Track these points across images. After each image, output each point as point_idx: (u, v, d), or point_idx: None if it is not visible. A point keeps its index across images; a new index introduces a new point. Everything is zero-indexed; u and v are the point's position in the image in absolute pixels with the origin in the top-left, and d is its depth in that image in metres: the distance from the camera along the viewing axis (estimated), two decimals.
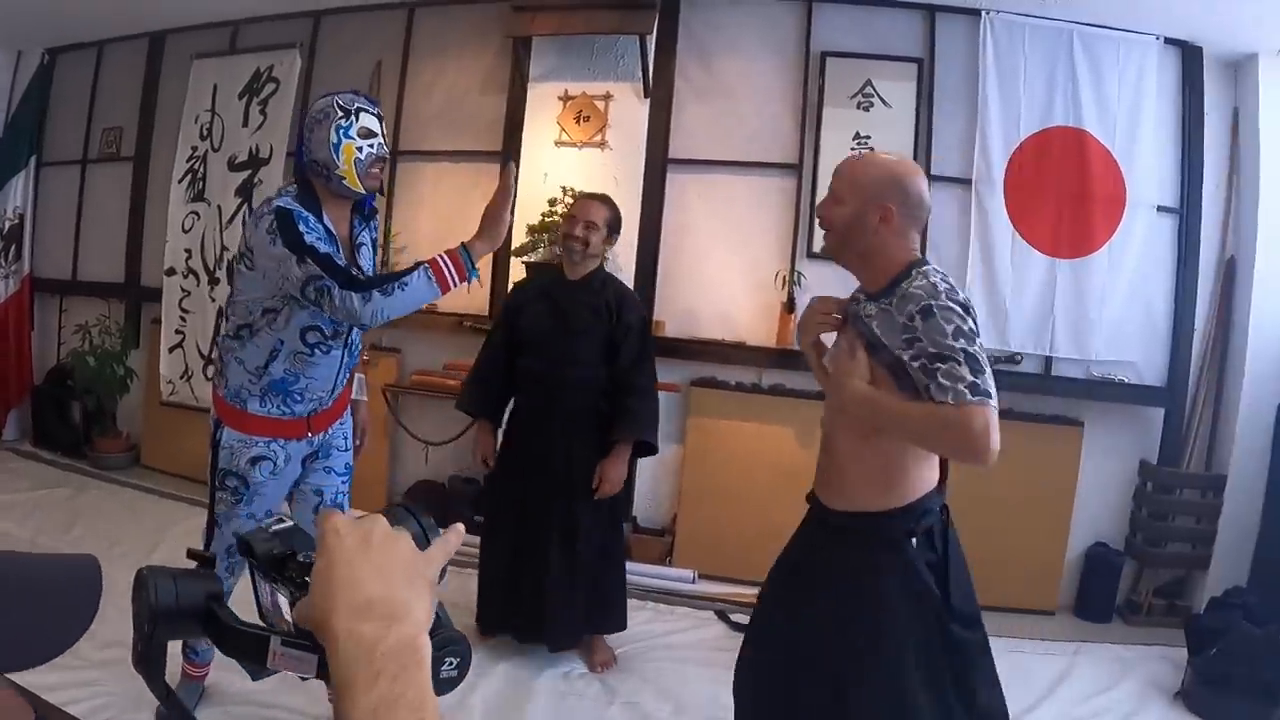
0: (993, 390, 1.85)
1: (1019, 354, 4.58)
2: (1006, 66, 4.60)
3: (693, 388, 4.80)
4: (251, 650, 0.71)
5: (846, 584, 2.11)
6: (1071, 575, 4.62)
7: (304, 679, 0.72)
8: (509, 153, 4.94)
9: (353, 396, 2.92)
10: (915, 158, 4.58)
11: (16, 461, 6.17)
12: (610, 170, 4.71)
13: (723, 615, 4.19)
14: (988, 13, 4.58)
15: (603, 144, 4.76)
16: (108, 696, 3.02)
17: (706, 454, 4.77)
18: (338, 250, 2.44)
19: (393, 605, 0.65)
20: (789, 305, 4.61)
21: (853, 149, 4.66)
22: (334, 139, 2.43)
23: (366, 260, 2.70)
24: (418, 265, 2.38)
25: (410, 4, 5.34)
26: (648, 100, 4.79)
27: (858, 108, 4.72)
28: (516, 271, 4.68)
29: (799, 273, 4.66)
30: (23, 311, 6.62)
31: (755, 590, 4.24)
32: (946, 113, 4.67)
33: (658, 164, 4.81)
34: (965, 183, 4.63)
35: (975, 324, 1.91)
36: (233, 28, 5.84)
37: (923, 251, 4.29)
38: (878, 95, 4.71)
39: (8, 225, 6.56)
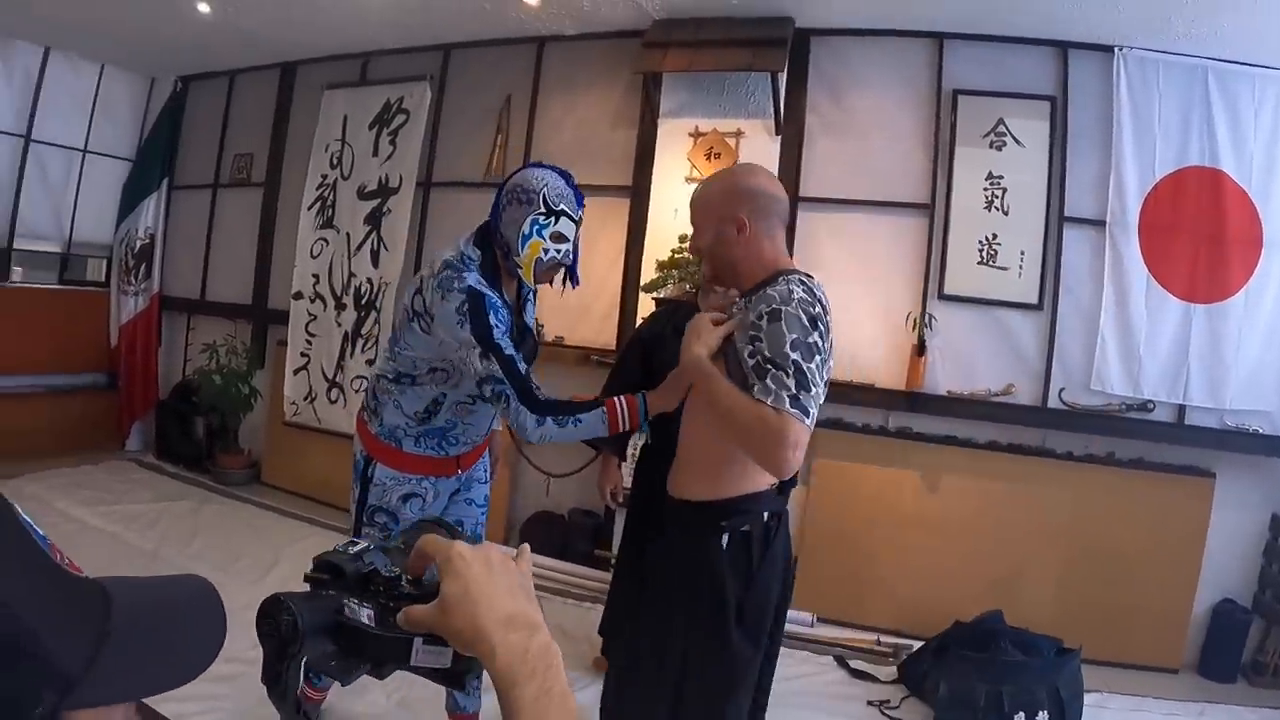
0: (811, 410, 1.86)
1: (1152, 401, 4.44)
2: (1141, 104, 4.48)
3: (819, 429, 4.71)
4: (394, 652, 0.82)
5: (655, 568, 2.21)
6: (1197, 632, 4.44)
7: (381, 679, 0.86)
8: (638, 187, 4.99)
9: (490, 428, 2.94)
10: (1049, 199, 4.54)
11: (139, 472, 6.39)
12: None
13: (842, 661, 4.12)
14: (1120, 49, 4.47)
15: None
16: (224, 712, 3.10)
17: (830, 496, 4.73)
18: (510, 325, 2.40)
19: (528, 617, 0.80)
20: (920, 347, 4.57)
21: (985, 190, 4.62)
22: (526, 230, 2.39)
23: (530, 315, 2.73)
24: (598, 404, 2.33)
25: (540, 38, 5.42)
26: (779, 137, 4.78)
27: (990, 146, 4.65)
28: (645, 306, 4.71)
29: (930, 315, 4.61)
30: (151, 328, 6.89)
31: (875, 636, 4.26)
32: (1080, 152, 4.57)
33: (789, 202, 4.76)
34: (1099, 224, 4.51)
35: (822, 339, 1.93)
36: (363, 59, 6.01)
37: (1055, 294, 4.31)
38: (1010, 134, 4.63)
39: (139, 245, 6.82)
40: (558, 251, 2.44)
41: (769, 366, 1.88)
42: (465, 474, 2.80)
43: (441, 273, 2.39)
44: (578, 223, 2.49)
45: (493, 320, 2.30)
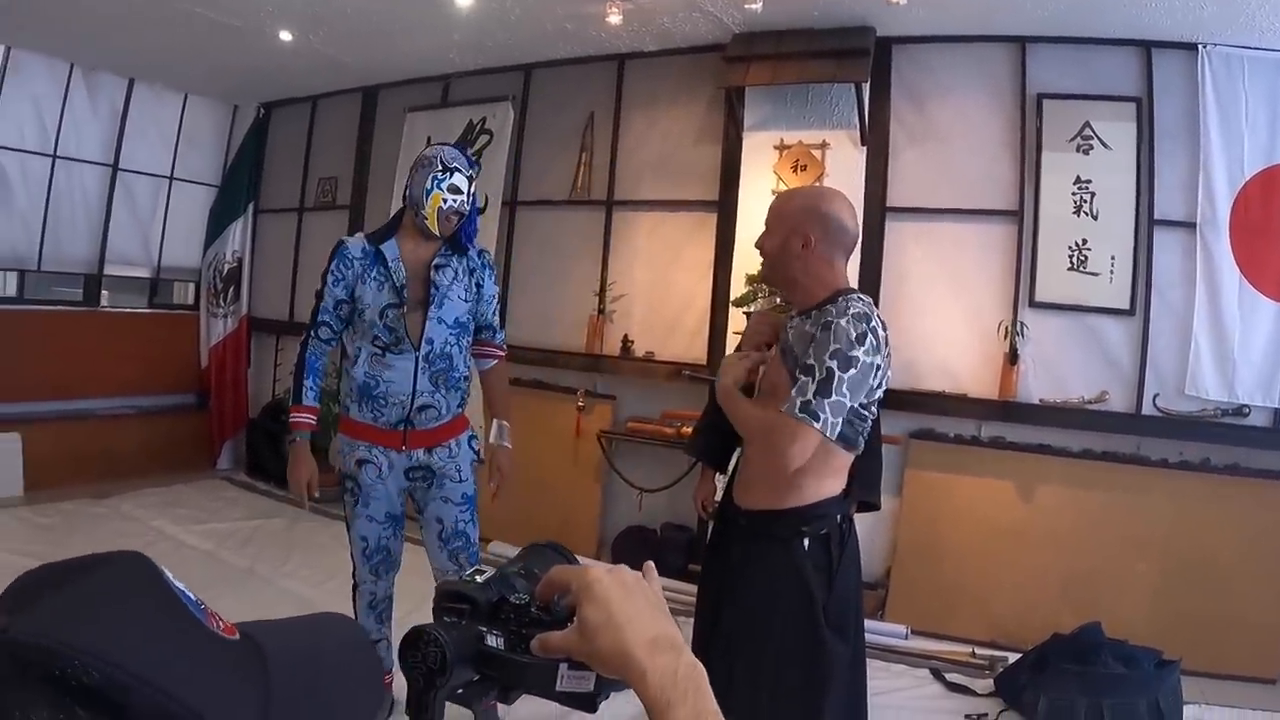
0: (823, 415, 2.01)
1: (1247, 406, 4.35)
2: (1227, 102, 4.41)
3: (912, 440, 4.78)
4: (538, 678, 0.82)
5: (741, 575, 2.29)
6: None
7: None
8: (725, 202, 5.04)
9: (496, 441, 3.19)
10: (1137, 201, 4.48)
11: (231, 490, 6.56)
12: None
13: (938, 674, 4.09)
14: (1204, 46, 4.39)
15: None
16: None
17: (924, 507, 4.74)
18: (370, 281, 2.95)
19: (672, 638, 0.79)
20: (1012, 356, 4.55)
21: (1073, 195, 4.59)
22: (428, 186, 2.89)
23: (445, 280, 3.01)
24: (310, 381, 3.02)
25: (620, 56, 5.48)
26: (864, 148, 4.79)
27: (1077, 150, 4.61)
28: (736, 321, 4.72)
29: (1022, 323, 4.58)
30: (240, 349, 7.09)
31: (970, 648, 4.24)
32: (1167, 153, 4.51)
33: (876, 212, 4.80)
34: (1190, 226, 4.44)
35: (869, 355, 2.04)
36: (444, 82, 6.12)
37: (1147, 299, 4.27)
38: (1097, 137, 4.59)
39: (227, 268, 7.02)
40: (455, 201, 2.92)
41: (800, 374, 2.05)
42: (422, 458, 3.05)
43: None
44: (470, 179, 2.97)
45: (332, 265, 2.96)
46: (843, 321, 2.04)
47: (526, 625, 0.83)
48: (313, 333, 3.02)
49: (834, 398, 2.00)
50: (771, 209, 2.37)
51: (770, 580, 2.24)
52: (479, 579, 0.88)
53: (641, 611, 0.80)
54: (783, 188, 4.78)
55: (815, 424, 2.00)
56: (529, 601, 0.85)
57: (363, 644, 0.74)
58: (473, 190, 3.01)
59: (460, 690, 0.83)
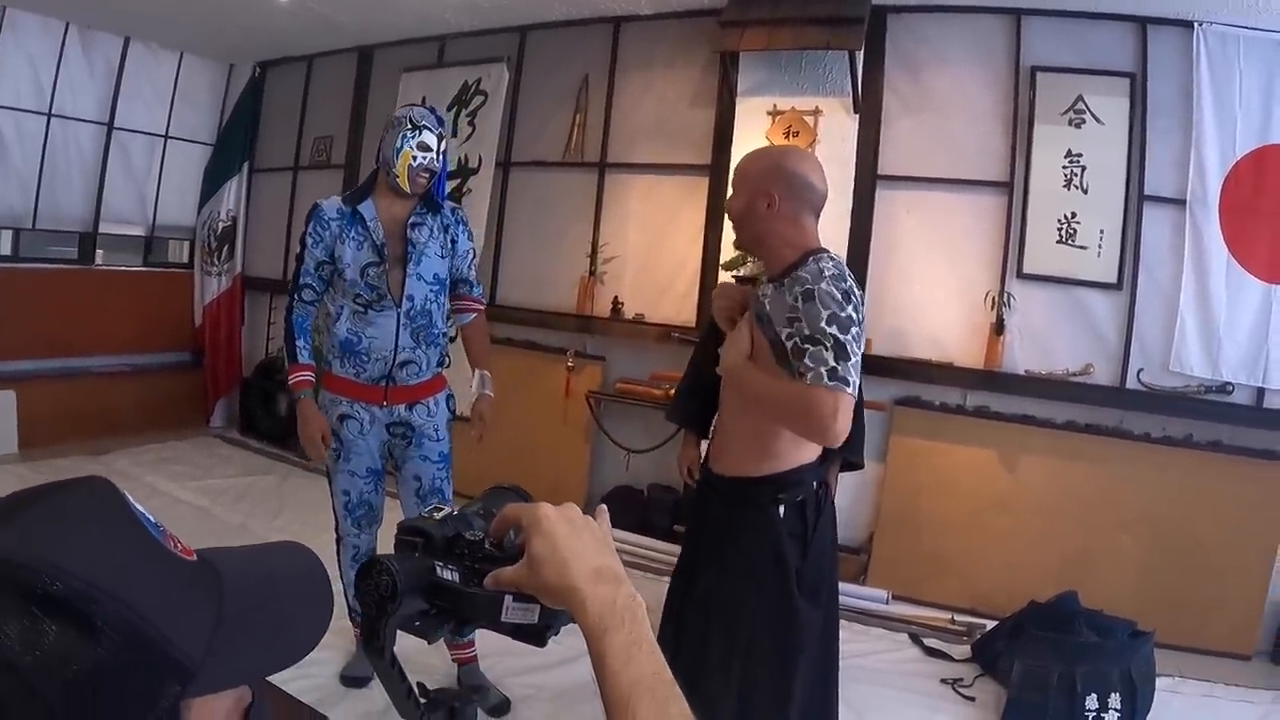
0: (851, 378, 2.01)
1: (1230, 384, 4.38)
2: (1221, 80, 4.41)
3: (897, 407, 4.81)
4: (485, 610, 0.85)
5: (718, 541, 2.33)
6: (1272, 618, 4.36)
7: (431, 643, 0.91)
8: (717, 166, 5.04)
9: (478, 390, 3.22)
10: (1128, 177, 4.49)
11: (225, 448, 6.61)
12: None
13: (916, 639, 4.14)
14: (1200, 24, 4.39)
15: None
16: (321, 679, 3.27)
17: (907, 474, 4.77)
18: (349, 241, 2.98)
19: (614, 570, 0.83)
20: (999, 327, 4.58)
21: (1064, 169, 4.60)
22: (398, 145, 2.94)
23: (421, 237, 3.05)
24: (302, 341, 3.06)
25: (616, 18, 5.47)
26: (857, 116, 4.78)
27: (1069, 124, 4.61)
28: None
29: (1009, 294, 4.60)
30: (234, 308, 7.12)
31: (949, 615, 4.29)
32: (1160, 130, 4.51)
33: (867, 180, 4.81)
34: (1180, 203, 4.46)
35: (856, 312, 2.05)
36: (440, 42, 6.11)
37: (1134, 274, 4.29)
38: (1089, 111, 4.59)
39: (221, 227, 7.03)
40: (424, 158, 2.96)
41: (807, 345, 2.03)
42: (402, 414, 3.10)
43: None
44: (439, 137, 3.02)
45: (310, 228, 3.01)
46: (823, 285, 2.04)
47: (480, 560, 0.87)
48: (296, 295, 3.07)
49: (852, 359, 2.02)
50: (737, 170, 2.36)
51: (746, 546, 2.27)
52: (438, 515, 0.91)
53: (587, 546, 0.84)
54: None
55: (848, 389, 2.00)
56: (483, 538, 0.89)
57: (315, 571, 0.76)
58: (443, 148, 3.08)
59: (417, 623, 0.87)
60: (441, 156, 3.08)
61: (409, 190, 2.98)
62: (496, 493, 0.98)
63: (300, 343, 3.05)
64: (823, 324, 2.01)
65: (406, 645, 0.92)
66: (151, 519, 0.63)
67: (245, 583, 0.66)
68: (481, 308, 3.34)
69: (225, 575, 0.65)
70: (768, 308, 2.18)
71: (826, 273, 2.07)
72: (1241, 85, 4.41)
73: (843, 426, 2.00)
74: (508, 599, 0.85)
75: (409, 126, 2.94)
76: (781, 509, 2.23)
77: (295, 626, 0.71)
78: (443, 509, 0.93)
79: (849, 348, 2.02)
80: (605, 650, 0.78)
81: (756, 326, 2.21)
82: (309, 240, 3.00)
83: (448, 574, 0.86)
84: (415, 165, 2.94)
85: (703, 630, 2.28)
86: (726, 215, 2.38)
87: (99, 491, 0.62)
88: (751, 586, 2.25)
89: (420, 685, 0.93)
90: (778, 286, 2.17)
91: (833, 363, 1.99)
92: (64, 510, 0.59)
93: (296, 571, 0.75)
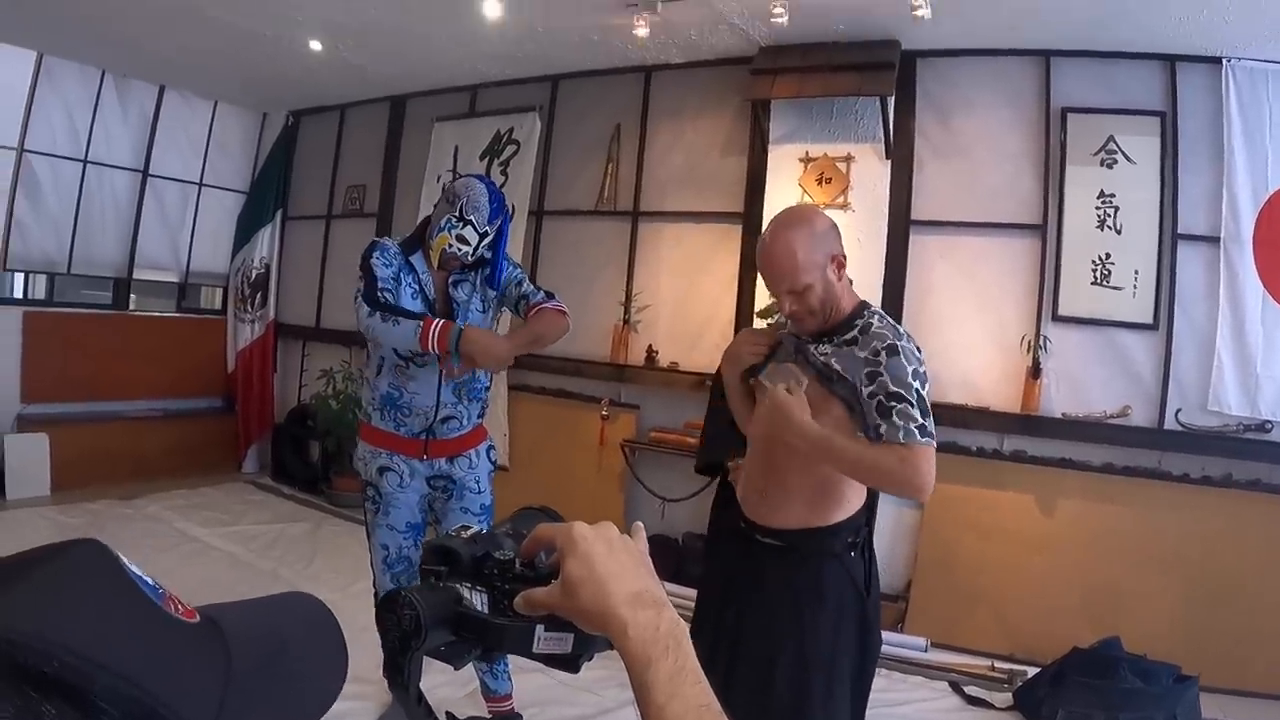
0: (934, 432, 2.05)
1: (1270, 422, 4.33)
2: (1251, 116, 4.41)
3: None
4: (516, 640, 0.82)
5: (785, 594, 2.27)
6: None
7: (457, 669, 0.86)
8: (750, 213, 5.08)
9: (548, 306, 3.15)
10: (1161, 216, 4.49)
11: (256, 494, 6.63)
12: (853, 232, 4.67)
13: (956, 687, 4.08)
14: (1228, 60, 4.40)
15: (845, 205, 4.77)
16: None
17: (945, 520, 4.73)
18: (405, 286, 2.94)
19: (654, 594, 0.79)
20: (1035, 370, 4.57)
21: (1097, 209, 4.61)
22: (441, 225, 2.90)
23: (463, 296, 3.02)
24: (419, 317, 2.82)
25: (647, 67, 5.53)
26: (889, 161, 4.81)
27: (1101, 164, 4.62)
28: None
29: (1045, 337, 4.59)
30: (267, 354, 7.19)
31: (989, 661, 4.24)
32: (1191, 168, 4.50)
33: (900, 225, 4.83)
34: (1213, 241, 4.44)
35: (924, 363, 2.11)
36: (471, 91, 6.20)
37: (1170, 314, 4.32)
38: (1121, 151, 4.59)
39: (255, 274, 7.11)
40: (460, 250, 2.91)
41: (893, 402, 2.04)
42: (443, 467, 3.07)
43: None
44: (481, 235, 2.92)
45: (375, 257, 2.92)
46: (903, 342, 2.09)
47: (510, 581, 0.84)
48: (378, 301, 2.88)
49: (930, 415, 2.06)
50: (783, 258, 2.17)
51: (813, 595, 2.24)
52: (466, 534, 0.89)
53: (625, 567, 0.80)
54: (809, 200, 4.81)
55: (933, 443, 2.05)
56: (513, 558, 0.85)
57: (325, 620, 0.72)
58: (485, 242, 2.94)
59: (442, 648, 0.84)
60: (492, 247, 3.00)
61: (433, 266, 2.97)
62: (526, 513, 0.96)
63: (406, 312, 2.87)
64: (908, 379, 2.05)
65: (444, 696, 0.90)
66: (150, 581, 0.59)
67: (250, 639, 0.63)
68: (562, 309, 3.18)
69: (230, 633, 0.62)
70: (836, 365, 2.16)
71: (901, 330, 2.14)
72: (1271, 120, 4.42)
73: (932, 480, 2.04)
74: (539, 629, 0.82)
75: (456, 214, 2.88)
76: (851, 554, 2.26)
77: (309, 678, 0.69)
78: (470, 527, 0.90)
79: (927, 403, 2.07)
80: (651, 682, 0.74)
81: (816, 382, 2.18)
82: (375, 263, 2.90)
83: (476, 600, 0.83)
84: (448, 252, 2.91)
85: (801, 678, 2.24)
86: (796, 312, 2.22)
87: (93, 556, 0.58)
88: (841, 639, 2.25)
89: (450, 715, 0.92)
90: (839, 342, 2.18)
91: (920, 419, 2.03)
92: (57, 579, 0.55)
93: (305, 621, 0.72)
